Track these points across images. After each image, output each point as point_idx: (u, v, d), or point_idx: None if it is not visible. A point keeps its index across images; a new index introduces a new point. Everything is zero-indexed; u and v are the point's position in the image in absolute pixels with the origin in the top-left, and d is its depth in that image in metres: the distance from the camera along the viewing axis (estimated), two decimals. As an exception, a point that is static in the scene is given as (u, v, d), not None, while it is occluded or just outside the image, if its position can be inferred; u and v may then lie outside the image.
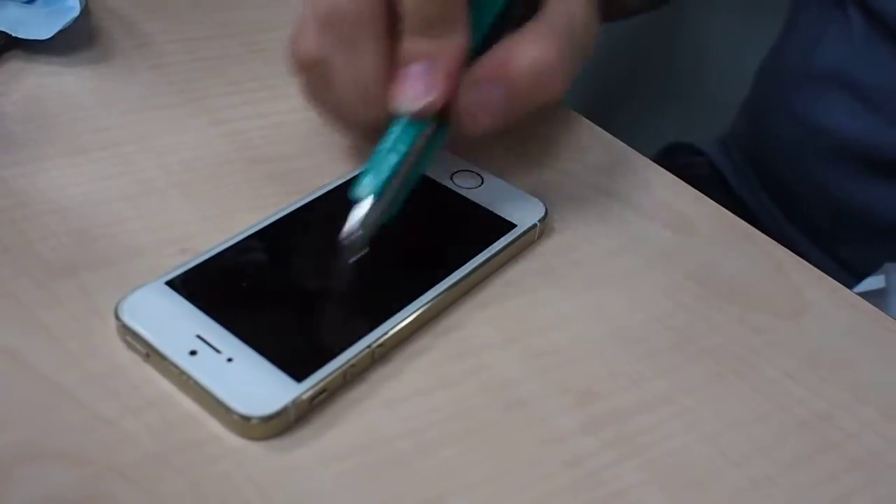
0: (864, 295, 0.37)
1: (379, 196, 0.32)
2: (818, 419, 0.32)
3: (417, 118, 0.33)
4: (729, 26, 0.98)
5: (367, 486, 0.28)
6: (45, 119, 0.40)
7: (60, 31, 0.42)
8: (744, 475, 0.29)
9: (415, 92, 0.32)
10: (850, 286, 0.38)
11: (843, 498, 0.29)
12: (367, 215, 0.32)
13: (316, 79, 0.35)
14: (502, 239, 0.35)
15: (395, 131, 0.33)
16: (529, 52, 0.33)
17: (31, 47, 0.43)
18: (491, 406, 0.30)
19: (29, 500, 0.26)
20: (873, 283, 0.56)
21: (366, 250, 0.33)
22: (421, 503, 0.27)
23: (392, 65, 0.33)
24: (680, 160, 0.79)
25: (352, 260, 0.33)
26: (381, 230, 0.33)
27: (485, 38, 0.34)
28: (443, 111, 0.33)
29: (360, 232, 0.32)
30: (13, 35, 0.42)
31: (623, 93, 1.04)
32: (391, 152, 0.33)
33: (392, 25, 0.33)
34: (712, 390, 0.32)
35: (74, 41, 0.44)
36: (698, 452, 0.30)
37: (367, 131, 0.35)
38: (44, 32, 0.42)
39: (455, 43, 0.32)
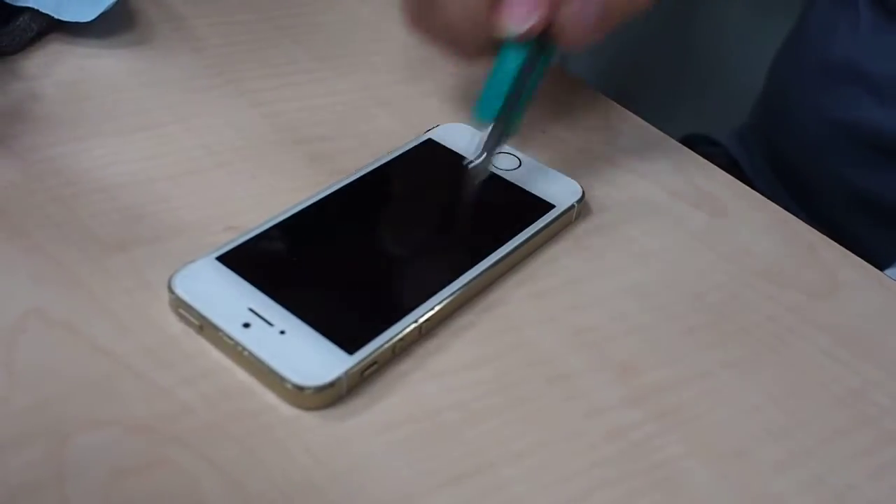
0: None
1: (496, 119, 0.35)
2: (853, 395, 0.32)
3: (522, 41, 0.35)
4: (744, 20, 0.98)
5: (419, 454, 0.28)
6: (87, 100, 0.41)
7: (100, 15, 0.43)
8: (783, 448, 0.30)
9: (520, 14, 0.34)
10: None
11: (880, 470, 0.30)
12: (488, 139, 0.35)
13: (423, 4, 0.37)
14: (542, 219, 0.36)
15: (504, 56, 0.35)
16: None
17: (71, 30, 0.44)
18: (534, 379, 0.31)
19: (89, 466, 0.27)
20: (891, 274, 0.56)
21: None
22: (472, 470, 0.28)
23: None
24: (697, 151, 0.79)
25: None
26: (426, 209, 0.34)
27: None
28: (545, 34, 0.35)
29: (484, 155, 0.35)
30: (56, 17, 0.42)
31: (639, 84, 1.04)
32: (502, 77, 0.35)
33: None
34: (749, 366, 0.33)
35: (114, 24, 0.45)
36: (738, 425, 0.31)
37: (469, 54, 0.38)
38: (86, 15, 0.42)
39: None
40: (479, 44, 0.36)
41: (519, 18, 0.34)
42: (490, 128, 0.35)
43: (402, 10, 0.38)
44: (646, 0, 0.36)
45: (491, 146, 0.35)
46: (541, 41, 0.35)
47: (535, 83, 0.37)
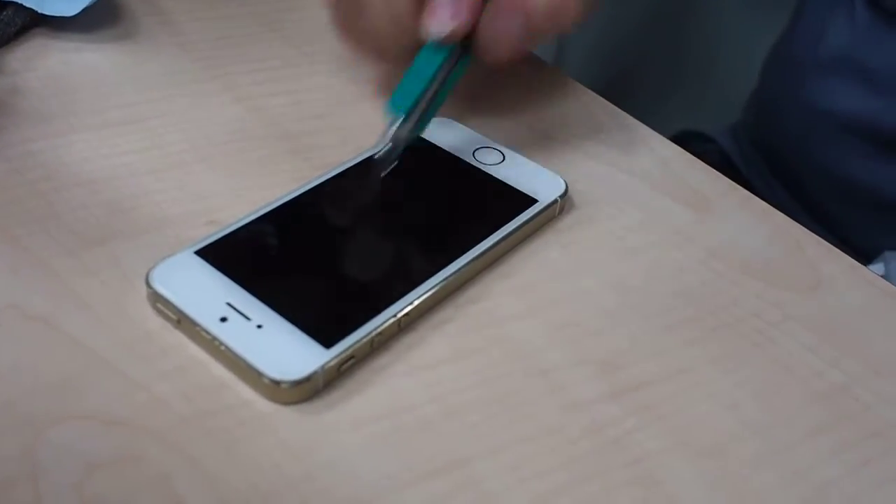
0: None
1: (407, 114, 0.36)
2: (836, 390, 0.32)
3: (444, 44, 0.36)
4: (738, 16, 0.98)
5: (395, 450, 0.28)
6: (70, 94, 0.41)
7: (84, 9, 0.43)
8: (764, 443, 0.30)
9: (443, 18, 0.35)
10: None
11: (860, 466, 0.30)
12: (397, 132, 0.36)
13: (350, 8, 0.38)
14: (524, 213, 0.36)
15: (423, 56, 0.36)
16: None
17: (55, 24, 0.44)
18: (513, 374, 0.31)
19: (63, 461, 0.27)
20: (873, 270, 0.56)
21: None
22: (449, 465, 0.28)
23: None
24: (690, 147, 0.79)
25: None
26: (408, 204, 0.34)
27: None
28: (466, 41, 0.36)
29: (390, 146, 0.36)
30: (39, 11, 0.42)
31: (633, 82, 1.04)
32: (419, 75, 0.36)
33: None
34: (731, 362, 0.33)
35: (98, 18, 0.45)
36: (719, 421, 0.30)
37: (395, 59, 0.38)
38: (70, 9, 0.42)
39: None
40: (402, 48, 0.37)
41: (441, 22, 0.35)
42: (400, 121, 0.36)
43: (331, 16, 0.40)
44: (570, 21, 0.37)
45: (398, 139, 0.36)
46: (461, 46, 0.36)
47: (450, 86, 0.38)
